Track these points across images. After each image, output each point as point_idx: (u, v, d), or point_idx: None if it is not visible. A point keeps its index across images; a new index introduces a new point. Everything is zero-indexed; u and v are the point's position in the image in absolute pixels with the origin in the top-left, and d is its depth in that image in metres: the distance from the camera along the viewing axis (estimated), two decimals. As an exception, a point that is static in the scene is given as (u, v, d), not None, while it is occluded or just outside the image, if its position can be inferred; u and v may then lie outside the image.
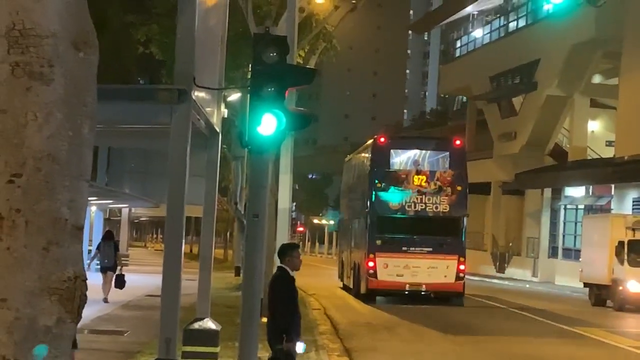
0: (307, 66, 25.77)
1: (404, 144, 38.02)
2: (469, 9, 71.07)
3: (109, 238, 29.01)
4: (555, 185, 55.20)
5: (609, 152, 51.40)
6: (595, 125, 56.71)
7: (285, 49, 11.03)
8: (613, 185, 48.08)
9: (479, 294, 39.11)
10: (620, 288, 33.41)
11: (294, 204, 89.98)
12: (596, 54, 50.06)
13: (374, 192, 33.76)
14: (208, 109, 12.28)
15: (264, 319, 11.47)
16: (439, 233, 33.18)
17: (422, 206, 33.51)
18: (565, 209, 55.34)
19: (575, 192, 54.07)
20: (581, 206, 52.82)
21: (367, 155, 36.19)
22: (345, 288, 39.32)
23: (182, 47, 10.67)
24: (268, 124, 10.78)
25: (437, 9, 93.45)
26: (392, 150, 35.02)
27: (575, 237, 52.11)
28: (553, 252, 55.83)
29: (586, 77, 52.25)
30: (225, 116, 26.29)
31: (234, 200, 36.36)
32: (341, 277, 41.43)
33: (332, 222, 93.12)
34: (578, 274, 39.23)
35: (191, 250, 68.29)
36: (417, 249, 33.14)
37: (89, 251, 36.74)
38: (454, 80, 70.49)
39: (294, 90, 19.43)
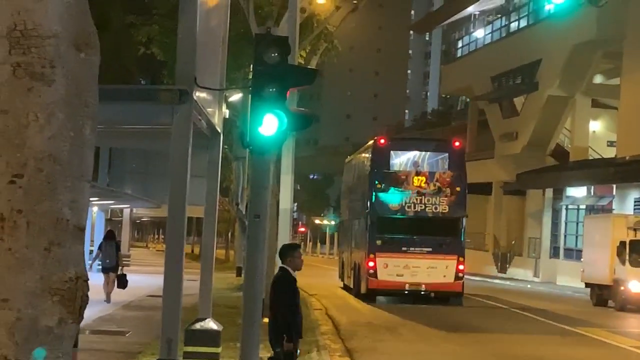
0: (309, 66, 25.76)
1: (403, 145, 38.56)
2: (471, 9, 71.08)
3: (111, 238, 29.01)
4: (556, 186, 55.19)
5: (610, 153, 51.39)
6: (596, 126, 56.70)
7: (286, 50, 11.04)
8: (614, 186, 48.08)
9: (480, 294, 39.09)
10: (622, 288, 33.42)
11: (296, 204, 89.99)
12: (597, 54, 50.06)
13: (374, 193, 33.98)
14: (209, 110, 12.28)
15: (266, 320, 11.48)
16: (438, 233, 33.38)
17: (421, 207, 33.72)
18: (566, 209, 55.34)
19: (577, 192, 54.07)
20: (583, 206, 52.81)
21: (367, 156, 36.45)
22: (345, 288, 39.46)
23: (183, 47, 10.66)
24: (269, 125, 10.79)
25: (439, 9, 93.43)
26: (391, 152, 35.34)
27: (576, 237, 52.12)
28: (554, 253, 55.83)
29: (587, 77, 52.24)
30: (227, 116, 26.33)
31: (235, 201, 36.35)
32: (341, 277, 41.64)
33: (332, 222, 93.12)
34: (579, 274, 39.23)
35: (192, 251, 68.29)
36: (416, 249, 33.36)
37: (90, 251, 36.75)
38: (455, 81, 70.49)
39: (295, 91, 19.43)
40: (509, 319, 28.90)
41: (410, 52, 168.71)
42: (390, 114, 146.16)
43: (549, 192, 56.57)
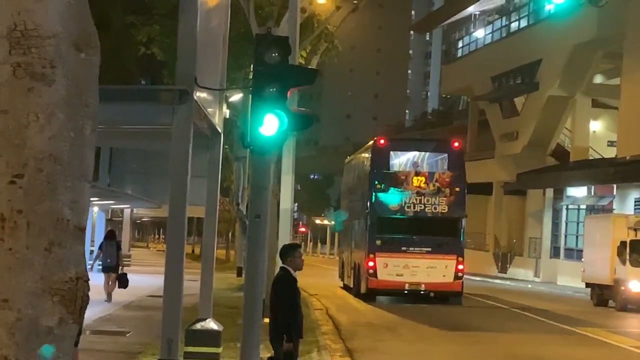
0: (309, 67, 25.76)
1: (403, 145, 39.04)
2: (471, 9, 71.06)
3: (111, 237, 29.01)
4: (557, 186, 55.20)
5: (610, 152, 51.39)
6: (596, 126, 56.70)
7: (287, 50, 11.04)
8: (615, 186, 48.08)
9: (481, 294, 39.09)
10: (622, 288, 33.41)
11: (296, 204, 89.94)
12: (597, 54, 50.06)
13: (373, 193, 34.14)
14: (210, 110, 12.27)
15: (266, 320, 11.48)
16: (437, 233, 33.51)
17: (421, 207, 33.86)
18: (567, 209, 55.34)
19: (577, 192, 54.07)
20: (583, 206, 52.81)
21: (366, 156, 36.60)
22: (345, 288, 39.58)
23: (184, 47, 10.66)
24: (270, 125, 10.79)
25: (439, 9, 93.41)
26: (391, 152, 35.59)
27: (577, 237, 52.14)
28: (555, 253, 55.83)
29: (588, 77, 52.24)
30: (227, 117, 26.31)
31: (235, 201, 36.38)
32: (341, 276, 41.81)
33: (332, 222, 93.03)
34: (580, 274, 39.23)
35: (193, 251, 68.26)
36: (416, 249, 33.52)
37: (91, 252, 36.76)
38: (455, 81, 70.51)
39: (296, 91, 19.43)
40: (509, 319, 28.90)
41: (410, 52, 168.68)
42: (390, 114, 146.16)
43: (550, 192, 56.57)
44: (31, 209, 4.26)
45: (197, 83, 10.63)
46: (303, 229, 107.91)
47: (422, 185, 33.91)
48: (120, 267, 27.71)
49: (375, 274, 33.30)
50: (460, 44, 73.89)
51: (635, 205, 46.03)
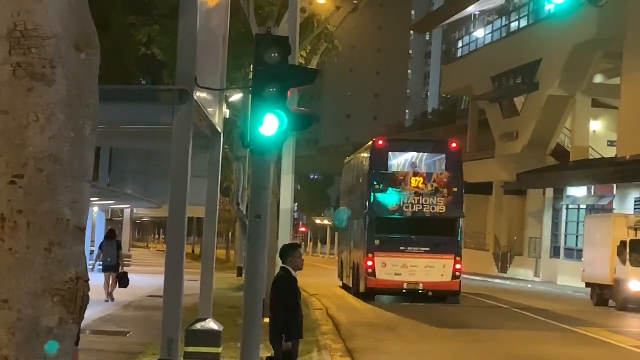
0: (309, 67, 25.76)
1: (401, 146, 39.57)
2: (471, 9, 71.02)
3: (112, 237, 29.02)
4: (557, 185, 55.19)
5: (610, 152, 51.39)
6: (597, 125, 56.70)
7: (287, 50, 11.04)
8: (615, 185, 48.07)
9: (481, 293, 39.10)
10: (623, 288, 33.41)
11: (296, 204, 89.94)
12: (598, 54, 50.06)
13: (372, 194, 34.41)
14: (210, 110, 12.28)
15: (266, 320, 11.48)
16: (436, 233, 33.77)
17: (419, 207, 34.13)
18: (567, 209, 55.33)
19: (577, 192, 54.06)
20: (583, 206, 52.79)
21: (365, 157, 36.80)
22: (344, 287, 39.77)
23: (184, 47, 10.66)
24: (270, 125, 10.79)
25: (439, 9, 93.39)
26: (390, 153, 35.98)
27: (577, 237, 52.12)
28: (555, 252, 55.82)
29: (588, 77, 52.23)
30: (227, 117, 26.31)
31: (236, 201, 36.40)
32: (341, 276, 42.11)
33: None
34: (580, 274, 39.22)
35: (193, 251, 68.27)
36: (414, 248, 33.77)
37: (91, 252, 36.77)
38: (455, 81, 70.50)
39: (296, 91, 19.43)
40: (509, 318, 28.90)
41: (410, 52, 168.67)
42: (390, 114, 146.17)
43: (550, 192, 56.57)
44: (31, 209, 4.26)
45: (197, 83, 10.63)
46: (303, 229, 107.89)
47: (421, 185, 34.17)
48: (120, 267, 27.71)
49: (374, 274, 33.55)
50: (460, 44, 73.86)
51: (635, 205, 46.01)
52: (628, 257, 33.52)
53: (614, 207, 47.63)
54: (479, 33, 69.06)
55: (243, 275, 19.32)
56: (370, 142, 36.70)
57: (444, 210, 34.07)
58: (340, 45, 31.42)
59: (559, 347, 21.64)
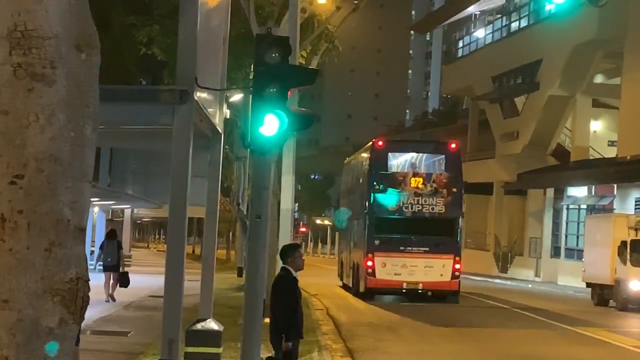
0: (309, 67, 25.75)
1: (401, 147, 40.10)
2: (471, 9, 71.02)
3: (112, 237, 29.02)
4: (557, 185, 55.19)
5: (611, 152, 51.39)
6: (597, 125, 56.70)
7: (287, 50, 11.04)
8: (615, 185, 48.07)
9: (481, 293, 39.11)
10: (623, 288, 33.40)
11: (297, 204, 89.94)
12: (598, 53, 50.05)
13: (372, 194, 34.63)
14: (210, 110, 12.27)
15: (267, 320, 11.48)
16: (435, 233, 33.96)
17: (418, 207, 34.35)
18: (567, 209, 55.32)
19: (578, 192, 54.06)
20: (584, 206, 52.79)
21: (365, 158, 36.90)
22: (344, 287, 39.94)
23: (184, 47, 10.66)
24: (270, 125, 10.79)
25: (439, 9, 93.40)
26: (389, 154, 36.25)
27: (577, 237, 52.11)
28: (555, 252, 55.81)
29: (588, 77, 52.23)
30: (228, 117, 26.30)
31: (236, 201, 36.35)
32: (341, 276, 42.32)
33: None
34: (581, 274, 39.22)
35: (193, 251, 68.26)
36: (414, 248, 33.99)
37: (92, 252, 36.77)
38: (456, 81, 70.51)
39: (296, 91, 19.43)
40: (509, 318, 28.90)
41: (410, 52, 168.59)
42: (391, 114, 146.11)
43: (550, 192, 56.57)
44: (32, 209, 4.26)
45: (198, 83, 10.63)
46: (303, 229, 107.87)
47: (420, 186, 34.39)
48: (121, 267, 27.71)
49: (373, 273, 33.75)
50: (460, 44, 73.86)
51: (635, 205, 46.01)
52: (628, 257, 33.53)
53: (615, 207, 47.63)
54: (479, 33, 69.06)
55: (243, 275, 19.31)
56: (370, 143, 36.87)
57: (443, 211, 34.25)
58: (341, 45, 31.42)
59: (559, 347, 21.65)
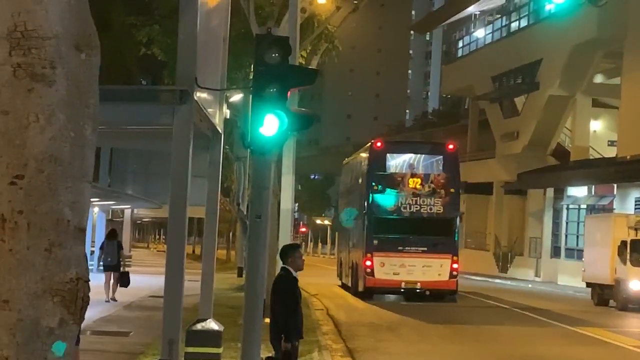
0: (309, 67, 25.75)
1: (399, 148, 40.58)
2: (471, 9, 71.00)
3: (112, 237, 29.02)
4: (557, 185, 55.19)
5: (611, 152, 51.39)
6: (597, 125, 56.70)
7: (287, 50, 11.04)
8: (615, 185, 48.07)
9: (481, 293, 39.12)
10: (623, 287, 33.40)
11: (297, 204, 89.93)
12: (598, 53, 50.05)
13: (370, 194, 34.95)
14: (210, 110, 12.27)
15: (267, 320, 11.48)
16: (433, 233, 34.23)
17: (416, 207, 34.65)
18: (567, 208, 55.33)
19: (578, 191, 54.06)
20: (583, 206, 52.80)
21: (364, 158, 37.09)
22: (343, 286, 40.16)
23: (184, 48, 10.66)
24: (270, 125, 10.79)
25: (439, 9, 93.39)
26: (388, 154, 36.57)
27: (577, 237, 52.11)
28: (555, 252, 55.81)
29: (588, 77, 52.22)
30: (228, 117, 26.30)
31: (236, 201, 36.37)
32: (340, 276, 42.56)
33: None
34: (581, 274, 39.22)
35: (194, 251, 68.27)
36: (412, 248, 34.27)
37: (92, 252, 36.76)
38: (456, 81, 70.50)
39: (296, 91, 19.42)
40: (509, 318, 28.90)
41: (410, 52, 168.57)
42: (391, 114, 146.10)
43: (550, 192, 56.56)
44: (32, 209, 4.26)
45: (198, 83, 10.63)
46: (304, 229, 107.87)
47: (418, 186, 34.71)
48: (122, 267, 27.72)
49: (372, 273, 34.04)
50: (460, 44, 73.84)
51: (635, 204, 46.01)
52: (628, 256, 33.52)
53: (614, 206, 47.64)
54: (479, 33, 69.04)
55: (243, 275, 19.31)
56: (369, 144, 37.08)
57: (441, 211, 34.55)
58: (341, 45, 31.43)
59: (559, 347, 21.64)
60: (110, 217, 49.35)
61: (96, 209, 41.14)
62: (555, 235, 56.19)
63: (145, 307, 25.87)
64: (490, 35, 65.16)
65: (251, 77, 13.09)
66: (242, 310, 12.16)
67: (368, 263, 34.01)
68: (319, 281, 41.14)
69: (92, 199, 29.16)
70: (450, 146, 35.75)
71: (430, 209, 34.46)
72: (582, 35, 48.87)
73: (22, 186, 4.26)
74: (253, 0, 25.24)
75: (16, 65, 4.29)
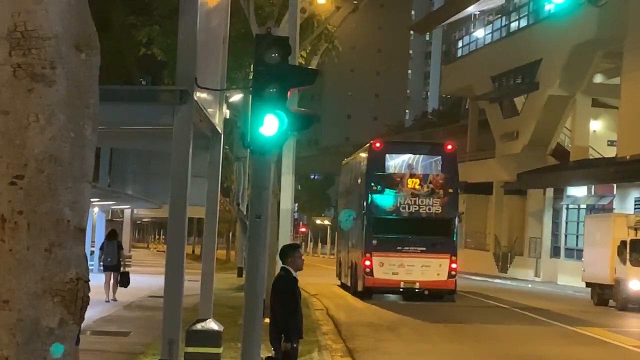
0: (309, 67, 25.75)
1: (398, 148, 40.61)
2: (471, 9, 71.02)
3: (113, 237, 29.04)
4: (557, 185, 55.19)
5: (610, 152, 51.40)
6: (597, 125, 56.71)
7: (287, 50, 11.04)
8: (615, 185, 48.08)
9: (481, 293, 39.12)
10: (623, 287, 33.40)
11: (296, 204, 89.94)
12: (598, 53, 50.04)
13: (369, 195, 35.06)
14: (210, 110, 12.28)
15: (267, 320, 11.48)
16: (431, 233, 34.38)
17: (415, 208, 34.78)
18: (567, 208, 55.33)
19: (578, 191, 54.06)
20: (583, 206, 52.80)
21: (363, 159, 37.19)
22: (343, 286, 40.26)
23: (184, 48, 10.66)
24: (270, 125, 10.79)
25: (439, 9, 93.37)
26: (387, 155, 36.70)
27: (577, 236, 52.11)
28: (555, 252, 55.81)
29: (588, 77, 52.22)
30: (228, 117, 26.29)
31: (236, 201, 36.35)
32: (339, 275, 42.68)
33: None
34: (580, 274, 39.22)
35: (193, 251, 68.26)
36: (411, 248, 34.41)
37: (92, 252, 36.76)
38: (455, 81, 70.49)
39: (296, 91, 19.42)
40: (509, 318, 28.91)
41: (410, 52, 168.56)
42: (391, 114, 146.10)
43: (550, 192, 56.56)
44: (32, 209, 4.26)
45: (197, 83, 10.63)
46: (303, 229, 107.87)
47: (417, 186, 34.85)
48: (122, 267, 27.73)
49: (371, 273, 34.16)
50: (460, 44, 73.85)
51: (635, 204, 46.01)
52: (628, 256, 33.53)
53: (614, 206, 47.64)
54: (479, 33, 69.05)
55: (243, 275, 19.31)
56: (368, 144, 37.18)
57: (440, 211, 34.69)
58: (340, 45, 31.42)
59: (559, 347, 21.65)
60: (110, 217, 49.35)
61: (96, 209, 41.15)
62: (555, 235, 56.20)
63: (145, 307, 25.88)
64: (490, 35, 65.16)
65: (251, 77, 13.08)
66: (242, 310, 12.16)
67: (367, 263, 34.13)
68: (319, 281, 41.14)
69: (92, 199, 29.17)
70: (449, 146, 35.90)
71: (429, 209, 34.58)
72: (582, 35, 48.87)
73: (22, 186, 4.26)
74: (253, 0, 25.24)
75: (16, 65, 4.29)
